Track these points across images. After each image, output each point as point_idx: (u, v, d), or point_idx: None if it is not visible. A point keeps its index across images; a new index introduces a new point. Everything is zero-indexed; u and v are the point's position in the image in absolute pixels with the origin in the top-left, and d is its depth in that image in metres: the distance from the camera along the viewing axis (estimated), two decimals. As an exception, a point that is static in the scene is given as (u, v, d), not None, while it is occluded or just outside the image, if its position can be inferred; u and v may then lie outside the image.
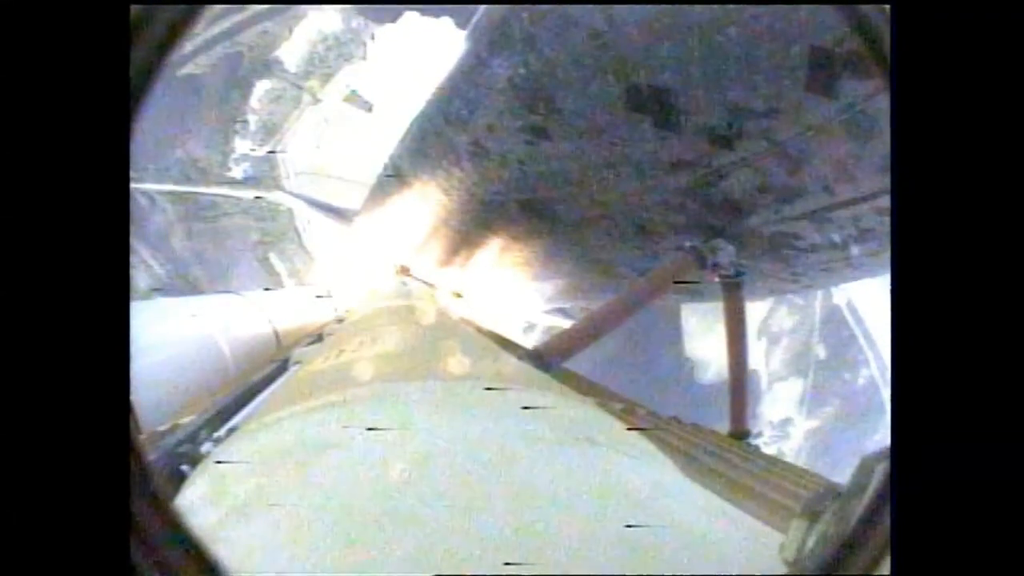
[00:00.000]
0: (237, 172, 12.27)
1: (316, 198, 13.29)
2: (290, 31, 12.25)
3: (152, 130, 11.71)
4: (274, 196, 12.25)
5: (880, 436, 17.84)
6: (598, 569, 0.75)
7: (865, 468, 0.66)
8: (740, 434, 5.26)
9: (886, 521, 0.61)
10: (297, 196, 12.78)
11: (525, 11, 4.19)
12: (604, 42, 3.82)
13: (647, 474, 1.30)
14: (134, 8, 0.59)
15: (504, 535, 0.81)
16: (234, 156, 12.48)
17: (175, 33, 0.60)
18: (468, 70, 5.16)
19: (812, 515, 0.68)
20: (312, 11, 12.08)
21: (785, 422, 17.95)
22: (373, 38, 12.39)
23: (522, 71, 4.44)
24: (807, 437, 17.75)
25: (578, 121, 4.38)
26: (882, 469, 0.64)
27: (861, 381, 17.53)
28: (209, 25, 11.53)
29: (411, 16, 11.97)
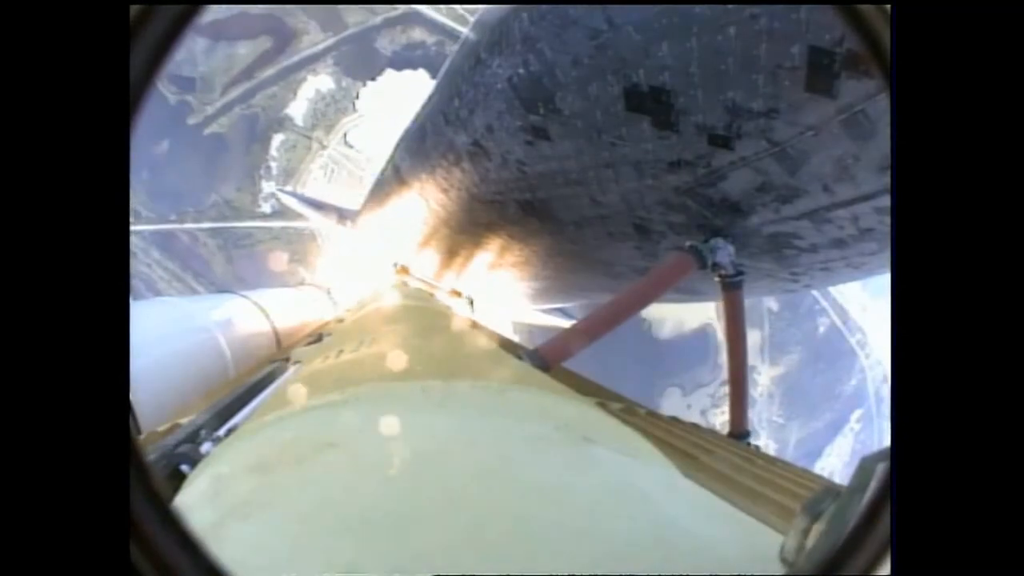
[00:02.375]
0: (266, 207, 15.28)
1: (315, 199, 14.05)
2: (295, 93, 15.41)
3: (189, 180, 14.67)
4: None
5: (855, 381, 18.61)
6: (597, 569, 0.75)
7: (865, 468, 0.66)
8: (740, 434, 5.26)
9: (886, 521, 0.61)
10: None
11: (525, 11, 4.19)
12: (604, 42, 3.81)
13: (647, 474, 1.30)
14: (134, 8, 0.58)
15: (503, 534, 0.81)
16: (262, 195, 15.48)
17: (175, 33, 0.60)
18: (468, 70, 5.16)
19: (812, 515, 0.68)
20: (310, 75, 15.16)
21: (749, 368, 18.59)
22: (358, 96, 15.46)
23: (522, 71, 4.43)
24: (776, 383, 18.52)
25: (578, 121, 4.37)
26: (882, 469, 0.64)
27: (822, 329, 18.03)
28: (225, 91, 14.58)
29: (390, 73, 15.07)
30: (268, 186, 15.24)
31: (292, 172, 15.36)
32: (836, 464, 17.99)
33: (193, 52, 14.99)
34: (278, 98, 15.33)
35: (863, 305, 18.64)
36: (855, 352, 18.65)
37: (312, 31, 15.01)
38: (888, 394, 19.21)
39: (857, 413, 18.81)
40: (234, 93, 15.06)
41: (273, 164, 15.35)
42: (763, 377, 18.64)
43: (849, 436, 18.80)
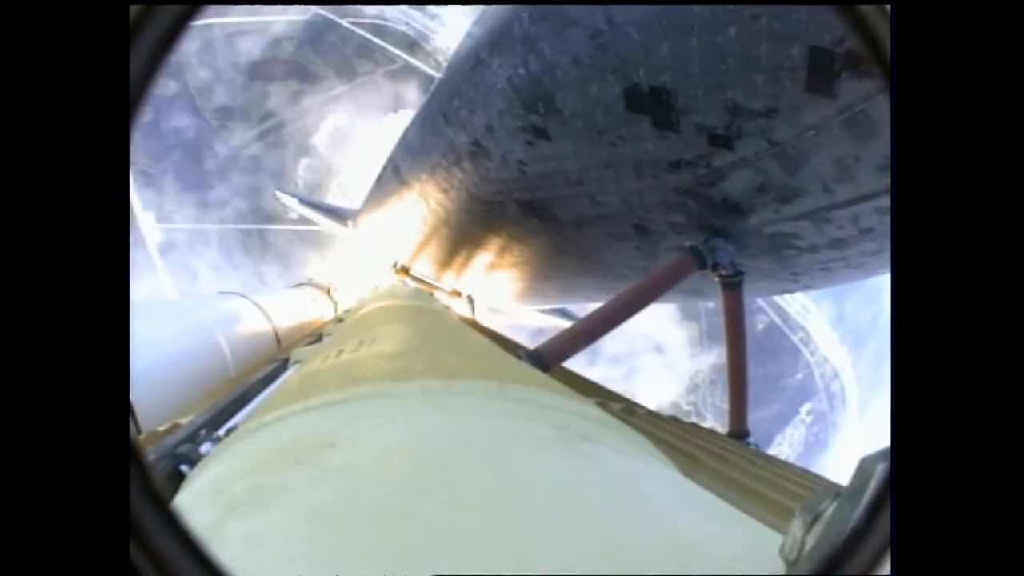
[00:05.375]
0: (293, 215, 18.35)
1: (314, 199, 15.17)
2: (317, 127, 19.63)
3: (230, 191, 18.64)
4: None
5: (801, 376, 20.16)
6: (597, 569, 0.75)
7: (865, 468, 0.66)
8: (740, 434, 5.26)
9: (886, 521, 0.61)
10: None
11: (525, 11, 4.19)
12: (604, 42, 3.81)
13: (647, 474, 1.30)
14: (134, 8, 0.58)
15: (503, 534, 0.81)
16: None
17: (175, 33, 0.60)
18: (468, 70, 5.16)
19: (812, 515, 0.68)
20: (329, 113, 19.38)
21: (690, 356, 20.73)
22: (366, 131, 19.51)
23: (522, 71, 4.44)
24: (717, 371, 20.14)
25: (578, 121, 4.37)
26: (882, 469, 0.64)
27: (760, 327, 19.46)
28: (261, 122, 18.84)
29: (392, 116, 18.76)
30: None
31: (316, 189, 19.45)
32: (789, 452, 19.14)
33: (233, 86, 18.89)
34: (304, 130, 19.68)
35: (804, 306, 19.97)
36: (798, 348, 20.10)
37: (330, 77, 19.37)
38: (839, 390, 20.09)
39: (807, 406, 20.15)
40: (268, 123, 19.39)
41: (300, 182, 19.66)
42: (704, 364, 20.56)
43: (801, 427, 20.07)
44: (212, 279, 17.99)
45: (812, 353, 20.13)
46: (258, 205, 18.76)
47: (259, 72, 18.64)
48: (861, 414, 20.11)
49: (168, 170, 18.14)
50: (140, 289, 16.23)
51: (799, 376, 20.14)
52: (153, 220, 18.26)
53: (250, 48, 18.25)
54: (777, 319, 19.50)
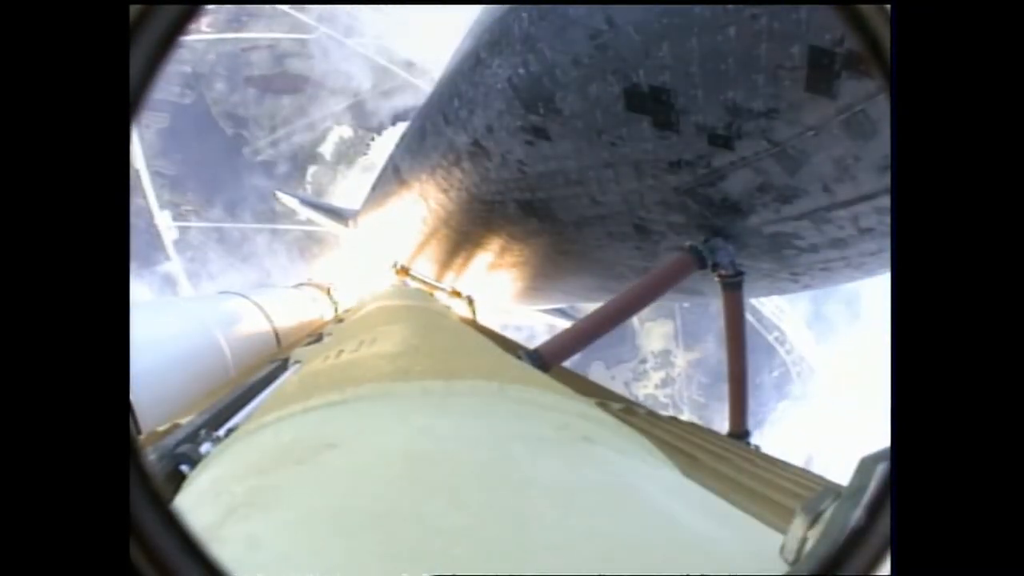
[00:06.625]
0: (302, 216, 20.18)
1: (315, 200, 15.59)
2: (324, 136, 22.35)
3: (244, 193, 21.99)
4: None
5: (778, 374, 21.59)
6: (597, 569, 0.75)
7: (865, 468, 0.66)
8: (740, 434, 5.26)
9: (886, 521, 0.61)
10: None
11: (525, 11, 4.19)
12: (604, 42, 3.81)
13: (647, 474, 1.30)
14: (134, 8, 0.58)
15: (503, 535, 0.81)
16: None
17: (175, 33, 0.60)
18: (468, 70, 5.16)
19: (812, 515, 0.68)
20: (335, 125, 22.18)
21: (665, 352, 22.01)
22: (369, 144, 22.19)
23: (522, 71, 4.44)
24: (692, 365, 21.62)
25: (578, 121, 4.37)
26: (882, 469, 0.64)
27: None
28: (273, 131, 21.71)
29: (393, 128, 21.29)
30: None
31: (322, 193, 21.52)
32: (769, 448, 19.57)
33: (246, 98, 21.38)
34: (312, 139, 22.08)
35: (779, 307, 21.03)
36: (774, 347, 21.41)
37: (337, 93, 21.88)
38: (814, 388, 20.77)
39: (784, 404, 21.39)
40: (279, 133, 21.84)
41: (308, 187, 21.98)
42: (680, 360, 21.87)
43: (777, 425, 21.19)
44: (281, 274, 21.42)
45: (788, 352, 21.26)
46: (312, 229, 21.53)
47: (268, 85, 21.31)
48: (837, 408, 20.58)
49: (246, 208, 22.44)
50: (227, 282, 20.74)
51: (775, 374, 21.29)
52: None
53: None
54: (751, 318, 20.79)
